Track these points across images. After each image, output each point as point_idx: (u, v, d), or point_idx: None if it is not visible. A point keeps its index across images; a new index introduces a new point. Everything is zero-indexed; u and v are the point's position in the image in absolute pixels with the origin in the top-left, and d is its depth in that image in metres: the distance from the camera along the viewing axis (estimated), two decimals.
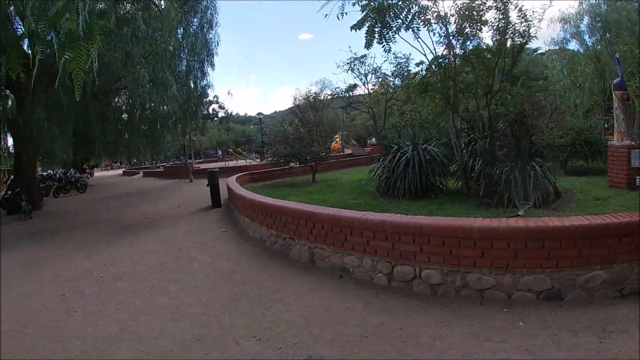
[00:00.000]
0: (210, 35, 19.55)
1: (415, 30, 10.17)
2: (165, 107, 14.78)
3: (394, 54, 26.05)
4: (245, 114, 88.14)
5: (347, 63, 26.50)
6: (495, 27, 9.48)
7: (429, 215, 7.43)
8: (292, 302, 5.42)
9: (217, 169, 13.96)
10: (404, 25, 10.08)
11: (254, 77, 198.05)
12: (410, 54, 26.31)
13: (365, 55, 26.00)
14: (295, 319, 4.89)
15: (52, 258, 8.99)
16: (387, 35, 10.09)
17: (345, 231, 6.10)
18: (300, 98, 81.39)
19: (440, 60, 10.57)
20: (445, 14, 9.87)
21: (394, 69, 25.85)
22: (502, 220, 5.13)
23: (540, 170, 8.78)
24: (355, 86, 31.20)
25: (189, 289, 6.17)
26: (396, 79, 25.97)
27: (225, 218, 11.66)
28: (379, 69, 26.57)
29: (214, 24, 19.72)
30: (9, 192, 17.41)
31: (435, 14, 9.91)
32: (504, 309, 4.54)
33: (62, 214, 16.44)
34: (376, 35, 9.99)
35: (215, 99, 60.66)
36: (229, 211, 12.41)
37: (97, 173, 56.82)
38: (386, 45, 10.19)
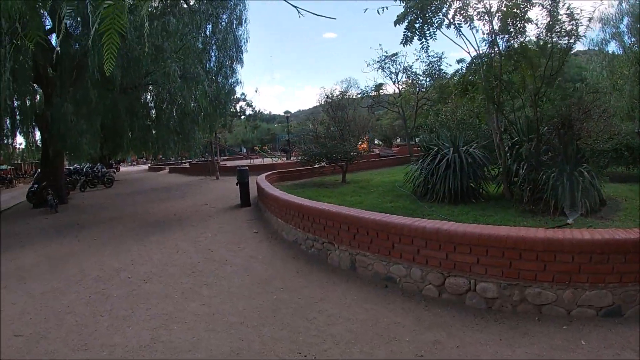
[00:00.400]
0: (240, 32, 19.13)
1: (457, 27, 9.77)
2: (195, 103, 14.44)
3: (426, 52, 25.74)
4: (270, 112, 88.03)
5: (378, 61, 25.96)
6: (541, 25, 9.06)
7: (475, 222, 7.04)
8: (336, 313, 4.95)
9: (247, 167, 13.53)
10: (446, 21, 9.66)
11: (278, 75, 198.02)
12: (442, 53, 25.68)
13: (396, 54, 25.49)
14: (342, 333, 4.43)
15: (78, 254, 8.67)
16: (428, 32, 9.64)
17: (393, 238, 5.63)
18: (326, 97, 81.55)
19: (483, 59, 10.09)
20: (489, 10, 9.39)
21: (426, 68, 25.44)
22: (567, 232, 4.67)
23: (588, 177, 8.31)
24: (381, 85, 30.65)
25: (224, 295, 5.73)
26: (427, 79, 25.52)
27: (255, 218, 11.25)
28: (410, 67, 25.95)
29: (243, 20, 19.34)
30: (36, 185, 17.40)
31: (476, 11, 9.45)
32: (564, 325, 4.25)
33: (88, 208, 16.24)
34: (416, 32, 9.57)
35: (243, 97, 60.43)
36: (259, 211, 12.00)
37: (123, 168, 57.43)
38: (425, 43, 9.77)
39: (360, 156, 16.28)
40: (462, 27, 9.72)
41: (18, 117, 17.74)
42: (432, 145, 11.67)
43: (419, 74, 26.52)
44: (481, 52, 10.11)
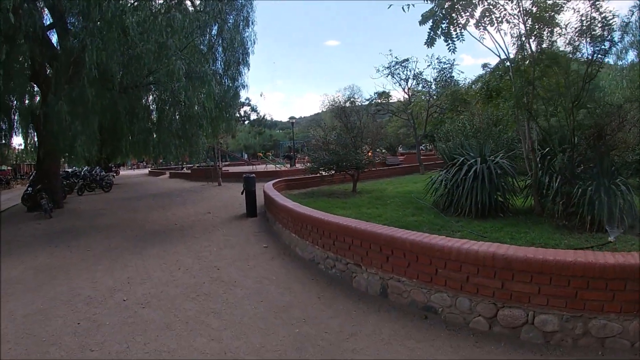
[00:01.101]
0: (246, 34, 18.40)
1: (485, 29, 9.09)
2: (199, 105, 13.55)
3: (437, 58, 25.02)
4: (272, 118, 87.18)
5: (387, 67, 25.17)
6: (572, 30, 8.45)
7: (512, 240, 6.52)
8: (374, 354, 4.12)
9: (254, 175, 12.70)
10: (471, 21, 8.99)
11: (279, 82, 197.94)
12: (454, 60, 24.90)
13: (407, 59, 24.70)
14: None
15: (69, 267, 7.85)
16: (455, 33, 8.96)
17: (437, 263, 4.80)
18: (330, 103, 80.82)
19: (512, 63, 9.49)
20: (520, 11, 8.80)
21: (437, 75, 24.68)
22: (635, 256, 4.00)
23: (626, 190, 7.59)
24: (384, 93, 29.97)
25: (236, 328, 4.84)
26: (438, 86, 24.79)
27: (264, 230, 10.41)
28: (420, 74, 25.18)
29: (251, 22, 18.60)
30: (30, 188, 16.67)
31: (503, 13, 8.81)
32: None
33: (84, 213, 15.38)
34: (439, 33, 8.92)
35: (247, 101, 59.55)
36: (267, 222, 11.19)
37: (123, 172, 56.70)
38: (451, 44, 9.08)
39: (372, 164, 15.39)
40: (487, 29, 9.10)
41: (16, 117, 17.02)
42: (456, 154, 10.83)
43: (429, 81, 25.78)
44: (510, 56, 9.52)
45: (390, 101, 31.69)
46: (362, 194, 14.32)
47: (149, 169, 54.28)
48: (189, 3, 16.01)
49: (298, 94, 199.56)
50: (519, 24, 8.94)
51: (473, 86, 27.59)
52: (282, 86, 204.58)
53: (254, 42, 18.92)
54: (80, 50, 11.22)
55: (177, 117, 14.37)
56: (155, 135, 15.07)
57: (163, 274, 7.04)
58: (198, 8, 15.64)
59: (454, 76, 25.31)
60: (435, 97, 25.65)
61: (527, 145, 9.12)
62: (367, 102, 29.12)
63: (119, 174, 46.87)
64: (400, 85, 25.93)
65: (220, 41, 16.81)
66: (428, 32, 9.09)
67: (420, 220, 8.73)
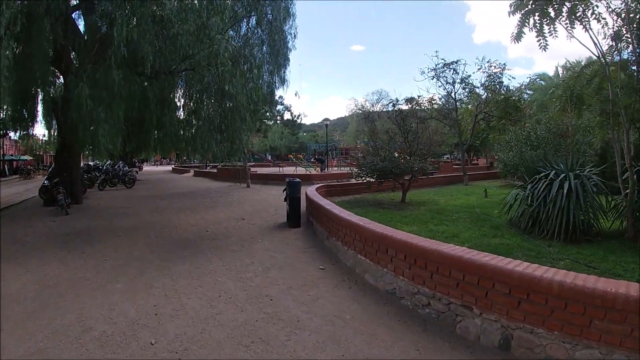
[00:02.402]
0: (286, 27, 16.82)
1: (585, 24, 8.07)
2: (246, 95, 11.82)
3: (488, 61, 23.23)
4: (302, 119, 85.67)
5: (433, 69, 23.41)
6: None
7: (626, 272, 5.44)
8: None
9: (299, 179, 11.07)
10: (571, 16, 8.01)
11: (304, 84, 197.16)
12: (505, 64, 23.09)
13: (457, 61, 22.90)
14: None
15: (81, 284, 6.33)
16: (548, 28, 8.10)
17: (593, 312, 3.54)
18: (355, 108, 79.36)
19: (607, 65, 8.39)
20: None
21: (486, 79, 23.00)
22: None
23: None
24: (412, 99, 28.34)
25: None
26: (489, 91, 23.09)
27: (313, 245, 8.78)
28: (468, 77, 23.41)
29: (291, 15, 17.01)
30: (47, 180, 15.47)
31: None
32: None
33: (104, 212, 13.97)
34: (531, 26, 8.07)
35: (281, 100, 57.84)
36: (315, 235, 9.62)
37: (146, 167, 55.97)
38: (542, 41, 8.16)
39: (426, 173, 13.72)
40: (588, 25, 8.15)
41: (39, 106, 15.71)
42: (539, 167, 9.36)
43: (476, 86, 23.97)
44: (607, 57, 8.46)
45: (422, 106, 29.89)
46: (415, 206, 12.72)
47: (173, 166, 53.16)
48: None
49: (323, 96, 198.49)
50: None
51: (525, 94, 25.83)
52: (307, 88, 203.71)
53: (295, 36, 17.37)
54: (108, 26, 9.71)
55: (219, 108, 12.51)
56: (192, 129, 13.23)
57: (200, 303, 5.42)
58: None
59: (503, 81, 23.47)
60: (484, 103, 23.82)
61: (619, 158, 7.96)
62: (417, 107, 26.82)
63: (142, 169, 46.07)
64: (445, 89, 24.05)
65: (259, 33, 15.29)
66: (517, 25, 8.11)
67: (506, 243, 7.44)
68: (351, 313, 5.14)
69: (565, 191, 7.85)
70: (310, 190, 12.05)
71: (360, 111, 78.75)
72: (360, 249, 6.58)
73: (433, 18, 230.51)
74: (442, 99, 25.22)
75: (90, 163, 28.71)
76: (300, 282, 6.30)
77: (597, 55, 8.52)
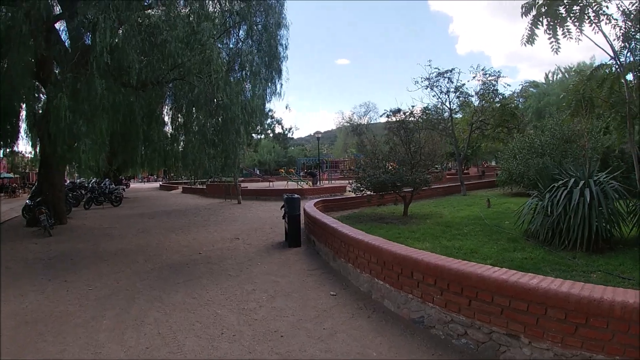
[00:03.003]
0: (278, 37, 16.07)
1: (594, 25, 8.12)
2: (240, 106, 10.98)
3: (482, 69, 22.82)
4: (293, 132, 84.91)
5: (427, 78, 22.89)
6: None
7: None
8: None
9: (297, 195, 10.31)
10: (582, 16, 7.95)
11: (291, 98, 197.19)
12: (500, 72, 22.65)
13: (451, 70, 22.42)
14: None
15: (63, 319, 5.55)
16: (562, 30, 7.96)
17: None
18: (344, 121, 78.96)
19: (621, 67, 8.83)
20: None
21: (480, 87, 22.58)
22: None
23: None
24: (399, 110, 27.89)
25: None
26: (484, 100, 22.65)
27: (318, 266, 8.06)
28: (462, 86, 22.96)
29: (283, 24, 16.26)
30: (29, 200, 14.67)
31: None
32: None
33: (89, 233, 13.13)
34: (545, 28, 7.95)
35: (270, 113, 56.95)
36: (318, 255, 8.95)
37: (133, 184, 55.03)
38: (555, 44, 8.00)
39: (428, 184, 13.08)
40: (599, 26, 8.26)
41: (22, 122, 14.91)
42: (555, 174, 8.97)
43: (470, 94, 23.52)
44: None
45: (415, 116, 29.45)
46: (419, 219, 12.09)
47: (160, 183, 52.16)
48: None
49: (311, 111, 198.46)
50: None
51: (517, 102, 25.49)
52: (294, 103, 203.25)
53: (286, 47, 16.61)
54: (92, 32, 8.96)
55: (212, 120, 11.58)
56: (182, 144, 12.33)
57: (200, 344, 4.64)
58: (224, 7, 13.36)
59: (498, 89, 23.05)
60: (480, 111, 23.35)
61: (637, 162, 8.09)
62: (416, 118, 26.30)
63: (129, 186, 45.15)
64: (439, 98, 23.54)
65: (250, 43, 14.60)
66: (527, 27, 7.98)
67: (530, 257, 7.02)
68: (377, 349, 4.41)
69: (587, 199, 7.41)
70: (308, 206, 11.34)
71: (348, 124, 78.53)
72: (377, 272, 5.86)
73: (417, 30, 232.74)
74: (431, 110, 24.63)
75: (75, 181, 27.93)
76: (311, 313, 5.55)
77: (611, 55, 8.40)
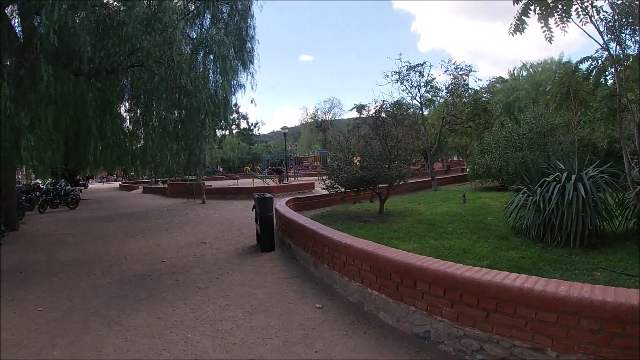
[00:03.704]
0: (244, 26, 15.05)
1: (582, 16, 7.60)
2: (207, 93, 9.97)
3: (454, 63, 22.44)
4: (254, 130, 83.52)
5: (397, 72, 22.33)
6: None
7: None
8: None
9: (269, 195, 9.46)
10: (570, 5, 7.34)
11: (254, 95, 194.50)
12: (470, 67, 22.33)
13: (422, 64, 21.92)
14: None
15: (6, 352, 4.62)
16: (557, 15, 7.31)
17: None
18: (308, 117, 78.33)
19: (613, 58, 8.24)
20: None
21: (451, 82, 22.22)
22: None
23: None
24: (364, 106, 27.44)
25: None
26: (454, 94, 22.32)
27: (296, 273, 7.29)
28: (431, 81, 22.55)
29: (250, 15, 15.22)
30: None
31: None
32: None
33: (42, 240, 12.02)
34: (532, 14, 7.23)
35: (236, 107, 55.34)
36: (294, 259, 8.22)
37: (92, 185, 53.14)
38: (547, 33, 7.50)
39: (404, 180, 12.50)
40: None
41: None
42: (545, 169, 8.80)
43: (440, 89, 23.16)
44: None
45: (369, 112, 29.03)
46: (396, 217, 11.58)
47: (120, 183, 50.35)
48: None
49: (274, 107, 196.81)
50: None
51: (484, 96, 25.35)
52: (257, 99, 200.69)
53: (253, 37, 15.61)
54: (38, 8, 7.89)
55: (175, 109, 10.51)
56: (141, 139, 11.14)
57: None
58: None
59: (469, 84, 22.76)
60: (451, 106, 22.98)
61: (627, 154, 7.26)
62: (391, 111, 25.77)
63: (87, 187, 43.41)
64: (410, 93, 23.05)
65: (215, 30, 13.60)
66: (516, 16, 7.30)
67: (526, 256, 6.77)
68: None
69: (582, 193, 7.24)
70: (280, 206, 10.52)
71: (313, 120, 77.93)
72: (371, 281, 5.14)
73: (380, 28, 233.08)
74: (403, 104, 24.08)
75: (30, 183, 26.48)
76: (298, 332, 4.79)
77: (601, 46, 8.05)
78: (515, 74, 38.03)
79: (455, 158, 58.89)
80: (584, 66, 10.38)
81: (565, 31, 8.53)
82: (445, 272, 4.11)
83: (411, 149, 12.95)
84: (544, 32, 7.63)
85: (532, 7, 8.24)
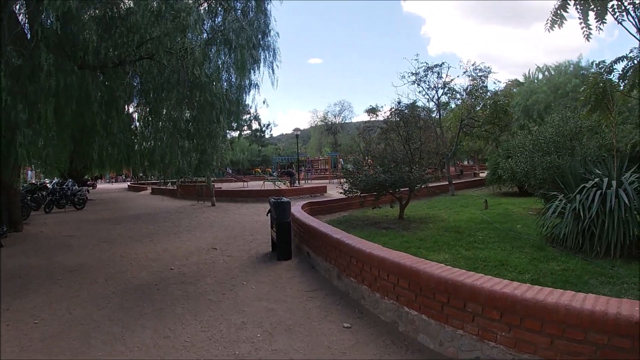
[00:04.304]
0: (257, 24, 14.21)
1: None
2: (222, 85, 9.29)
3: (473, 64, 21.80)
4: (266, 131, 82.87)
5: (414, 73, 21.66)
6: None
7: None
8: None
9: (286, 199, 8.81)
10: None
11: (274, 93, 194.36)
12: (490, 68, 21.65)
13: (441, 64, 21.25)
14: None
15: None
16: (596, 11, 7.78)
17: None
18: (318, 119, 77.80)
19: None
20: None
21: (469, 84, 21.56)
22: None
23: None
24: (373, 110, 26.95)
25: None
26: (473, 97, 21.66)
27: (318, 285, 6.64)
28: (449, 83, 21.89)
29: (264, 9, 14.35)
30: None
31: None
32: None
33: (46, 242, 11.47)
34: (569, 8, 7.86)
35: (248, 108, 54.62)
36: (313, 268, 7.64)
37: (101, 185, 52.90)
38: (586, 30, 7.88)
39: (426, 184, 11.90)
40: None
41: None
42: (582, 174, 8.27)
43: (457, 91, 22.51)
44: None
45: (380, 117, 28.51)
46: (418, 223, 10.97)
47: (129, 184, 49.92)
48: None
49: (284, 110, 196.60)
50: None
51: (502, 98, 24.73)
52: (272, 98, 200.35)
53: (266, 34, 14.78)
54: None
55: (187, 102, 9.76)
56: (150, 136, 10.31)
57: None
58: None
59: (487, 86, 22.12)
60: (471, 108, 22.33)
61: None
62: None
63: (95, 187, 43.01)
64: (427, 95, 22.36)
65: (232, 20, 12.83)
66: (552, 11, 7.90)
67: (569, 268, 6.24)
68: None
69: (626, 200, 6.76)
70: (297, 211, 9.87)
71: (323, 123, 77.40)
72: (409, 299, 4.50)
73: (389, 31, 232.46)
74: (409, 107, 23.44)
75: (36, 182, 26.12)
76: (326, 357, 4.15)
77: None
78: (531, 77, 37.28)
79: (465, 162, 58.20)
80: (618, 67, 10.01)
81: (601, 29, 8.30)
82: (503, 292, 3.53)
83: (434, 152, 12.28)
84: (582, 28, 7.84)
85: (572, 2, 8.06)
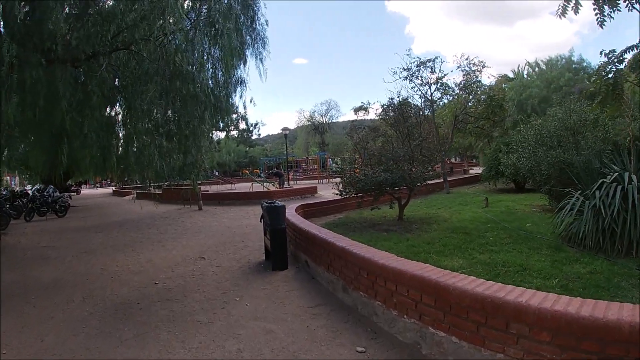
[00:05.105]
0: (242, 18, 13.31)
1: None
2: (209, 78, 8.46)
3: (467, 59, 21.29)
4: (254, 131, 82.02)
5: (406, 69, 21.03)
6: None
7: None
8: None
9: (280, 203, 8.05)
10: None
11: (248, 95, 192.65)
12: (484, 62, 21.08)
13: (434, 59, 20.66)
14: None
15: None
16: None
17: None
18: (304, 119, 77.21)
19: None
20: None
21: (462, 79, 21.02)
22: None
23: None
24: (361, 108, 26.52)
25: None
26: (467, 92, 21.15)
27: (321, 300, 5.91)
28: (442, 78, 21.31)
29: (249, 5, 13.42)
30: None
31: None
32: None
33: (22, 254, 10.75)
34: None
35: (235, 108, 53.67)
36: (313, 279, 6.92)
37: (85, 190, 51.94)
38: (600, 17, 7.77)
39: (424, 182, 11.29)
40: None
41: None
42: (604, 169, 7.81)
43: (450, 87, 21.94)
44: None
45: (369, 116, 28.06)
46: (420, 224, 10.42)
47: (114, 188, 48.84)
48: None
49: (271, 110, 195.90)
50: None
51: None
52: (260, 94, 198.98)
53: (257, 21, 13.68)
54: None
55: (166, 96, 8.67)
56: (123, 137, 9.31)
57: None
58: None
59: (481, 80, 21.60)
60: (465, 104, 21.83)
61: None
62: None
63: (79, 193, 41.97)
64: (420, 91, 21.71)
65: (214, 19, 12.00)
66: None
67: (595, 271, 5.80)
68: None
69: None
70: (291, 215, 9.16)
71: (309, 122, 76.83)
72: (435, 319, 3.82)
73: (374, 31, 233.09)
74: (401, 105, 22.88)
75: (16, 189, 25.21)
76: None
77: None
78: (521, 72, 36.95)
79: (453, 159, 57.94)
80: (627, 56, 9.41)
81: (612, 17, 7.98)
82: (555, 311, 2.95)
83: (435, 149, 11.68)
84: (596, 14, 7.73)
85: None
